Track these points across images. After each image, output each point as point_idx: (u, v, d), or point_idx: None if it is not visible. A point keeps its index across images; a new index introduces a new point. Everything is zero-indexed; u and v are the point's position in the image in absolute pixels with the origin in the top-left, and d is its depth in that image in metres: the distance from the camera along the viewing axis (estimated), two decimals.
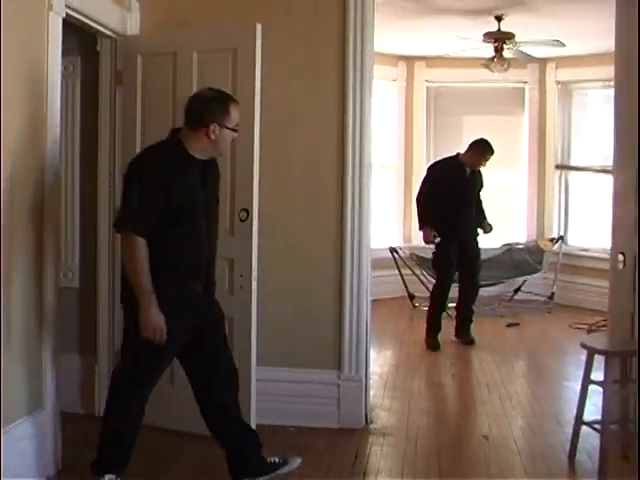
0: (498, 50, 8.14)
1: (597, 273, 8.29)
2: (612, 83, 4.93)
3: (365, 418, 4.96)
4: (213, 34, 4.65)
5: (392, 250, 8.96)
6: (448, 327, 7.54)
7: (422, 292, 8.76)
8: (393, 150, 10.15)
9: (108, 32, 4.75)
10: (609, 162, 5.07)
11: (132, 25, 4.92)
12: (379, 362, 6.58)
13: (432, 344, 7.20)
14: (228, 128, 3.66)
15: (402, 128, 10.20)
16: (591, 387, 4.33)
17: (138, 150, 4.77)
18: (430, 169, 7.64)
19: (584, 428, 4.36)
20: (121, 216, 3.59)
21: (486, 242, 8.13)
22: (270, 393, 4.62)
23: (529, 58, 8.71)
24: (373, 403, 5.22)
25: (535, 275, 9.26)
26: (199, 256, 3.70)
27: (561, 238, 9.57)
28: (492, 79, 9.13)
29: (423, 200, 7.43)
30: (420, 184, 7.59)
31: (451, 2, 7.10)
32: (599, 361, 4.26)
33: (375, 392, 5.53)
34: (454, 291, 7.63)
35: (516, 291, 9.30)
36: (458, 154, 7.46)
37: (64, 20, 4.11)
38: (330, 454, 4.46)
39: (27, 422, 3.83)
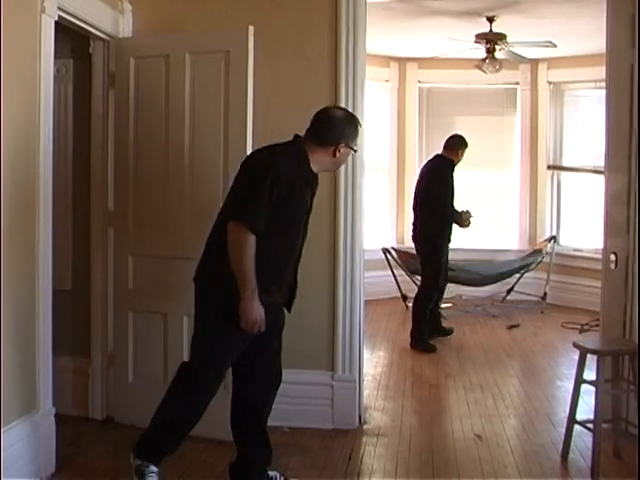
0: (490, 51, 8.17)
1: (589, 273, 8.32)
2: (604, 84, 4.95)
3: (359, 418, 4.97)
4: (205, 36, 4.66)
5: (385, 251, 8.97)
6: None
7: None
8: (386, 151, 10.17)
9: (101, 34, 4.75)
10: (601, 162, 5.09)
11: (125, 28, 4.92)
12: (372, 363, 6.60)
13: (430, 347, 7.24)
14: (353, 149, 3.75)
15: (394, 129, 10.22)
16: (584, 386, 4.35)
17: (131, 152, 4.80)
18: (448, 171, 7.39)
19: (577, 427, 4.37)
20: (243, 208, 3.50)
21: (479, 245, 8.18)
22: None
23: (521, 59, 8.74)
24: (367, 403, 5.24)
25: (530, 273, 9.31)
26: (288, 268, 3.71)
27: (553, 238, 9.60)
28: (484, 80, 9.16)
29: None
30: (443, 183, 7.34)
31: (443, 3, 7.12)
32: (592, 360, 4.28)
33: (369, 392, 5.55)
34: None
35: (509, 291, 9.32)
36: (442, 155, 7.45)
37: (57, 23, 4.11)
38: (324, 454, 4.47)
39: (21, 424, 3.82)
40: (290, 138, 3.74)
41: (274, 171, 3.50)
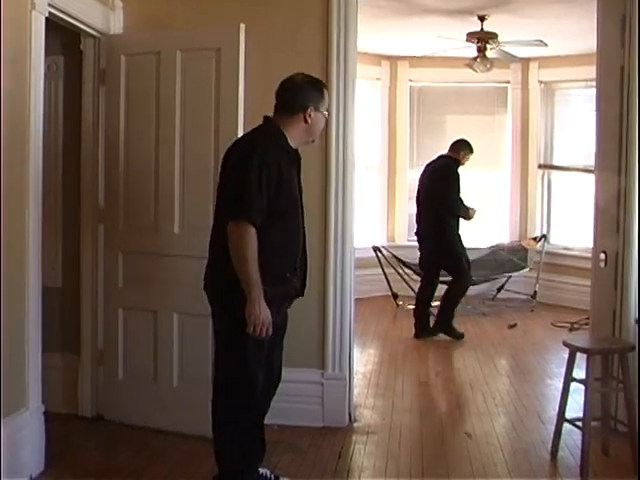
0: (481, 50, 8.17)
1: (579, 272, 8.34)
2: (594, 83, 4.96)
3: (349, 416, 4.97)
4: (197, 34, 4.65)
5: (375, 249, 8.98)
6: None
7: (405, 291, 8.80)
8: (376, 150, 10.17)
9: (91, 31, 4.74)
10: (591, 162, 5.11)
11: (116, 24, 4.91)
12: (363, 361, 6.60)
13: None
14: (318, 111, 3.65)
15: (385, 128, 10.21)
16: (573, 385, 4.36)
17: (122, 149, 4.79)
18: (454, 168, 7.71)
19: (566, 425, 4.38)
20: (236, 204, 3.43)
21: (471, 243, 8.19)
22: None
23: (512, 58, 8.75)
24: (357, 401, 5.24)
25: (519, 272, 9.32)
26: (298, 251, 3.65)
27: (544, 237, 9.62)
28: (475, 79, 9.16)
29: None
30: (453, 183, 7.64)
31: (434, 2, 7.12)
32: (581, 359, 4.29)
33: (359, 391, 5.54)
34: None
35: (499, 290, 9.34)
36: (447, 155, 7.77)
37: (47, 19, 4.09)
38: (314, 452, 4.47)
39: (10, 422, 3.80)
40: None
41: (257, 157, 3.43)
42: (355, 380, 5.24)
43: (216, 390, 3.66)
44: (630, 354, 4.28)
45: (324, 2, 4.78)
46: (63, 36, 4.81)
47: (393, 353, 7.08)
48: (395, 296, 9.06)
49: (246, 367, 3.56)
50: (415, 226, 7.95)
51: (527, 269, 9.34)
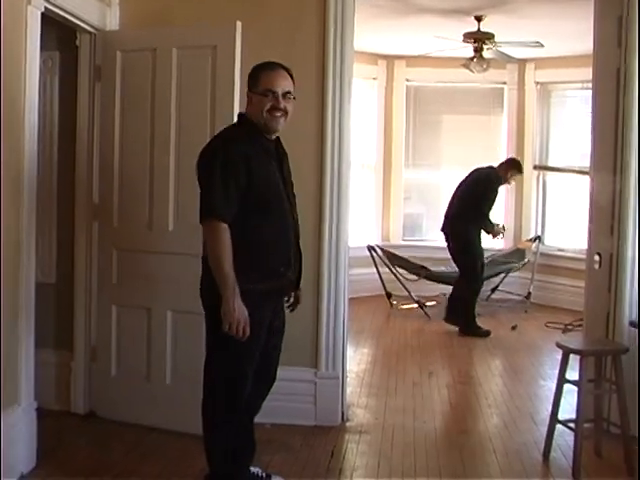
0: (478, 50, 8.18)
1: (573, 273, 8.35)
2: (590, 84, 4.96)
3: (341, 415, 4.97)
4: (193, 31, 4.64)
5: (370, 248, 8.98)
6: (426, 324, 7.56)
7: (400, 290, 8.80)
8: (372, 149, 10.17)
9: (87, 27, 4.73)
10: (587, 163, 5.10)
11: (112, 20, 4.90)
12: (356, 360, 6.60)
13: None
14: (256, 93, 3.56)
15: (382, 127, 10.22)
16: (566, 386, 4.36)
17: (117, 145, 4.79)
18: (495, 183, 8.07)
19: (559, 426, 4.39)
20: (204, 204, 3.41)
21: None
22: None
23: (508, 59, 8.76)
24: (349, 401, 5.23)
25: (515, 273, 9.37)
26: (290, 244, 3.60)
27: (538, 238, 9.62)
28: (471, 79, 9.17)
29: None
30: (489, 195, 7.99)
31: (431, 2, 7.13)
32: (574, 360, 4.29)
33: (352, 390, 5.54)
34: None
35: (493, 290, 9.34)
36: (495, 168, 8.13)
37: (43, 14, 4.08)
38: (306, 451, 4.47)
39: (2, 418, 3.79)
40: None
41: (221, 153, 3.43)
42: (348, 379, 5.24)
43: (206, 389, 3.64)
44: (623, 356, 4.28)
45: (321, 1, 4.78)
46: (59, 31, 4.80)
47: (386, 353, 7.08)
48: (389, 295, 9.05)
49: (236, 367, 3.54)
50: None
51: (525, 261, 9.37)
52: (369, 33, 7.90)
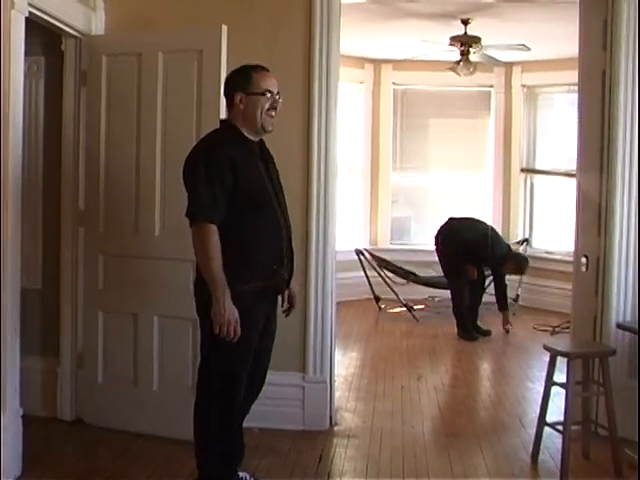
0: (464, 54, 8.19)
1: (561, 275, 8.36)
2: (577, 87, 4.97)
3: (330, 420, 4.96)
4: (178, 35, 4.63)
5: (358, 252, 8.98)
6: (414, 327, 7.55)
7: (388, 294, 8.80)
8: (360, 153, 10.17)
9: (73, 32, 4.71)
10: (574, 166, 5.12)
11: (97, 25, 4.88)
12: (344, 364, 6.59)
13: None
14: (254, 94, 3.59)
15: (369, 130, 10.23)
16: (554, 388, 4.37)
17: (102, 150, 4.77)
18: (504, 246, 8.35)
19: (547, 429, 4.39)
20: (191, 206, 3.44)
21: None
22: None
23: (495, 62, 8.77)
24: (338, 405, 5.23)
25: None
26: (282, 242, 3.62)
27: (526, 241, 9.64)
28: (458, 82, 9.18)
29: None
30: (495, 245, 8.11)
31: (418, 6, 7.13)
32: (562, 363, 4.29)
33: (340, 394, 5.54)
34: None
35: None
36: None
37: (27, 19, 4.06)
38: (294, 456, 4.46)
39: None
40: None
41: (205, 156, 3.47)
42: (336, 383, 5.23)
43: (200, 392, 3.64)
44: (611, 358, 4.29)
45: (307, 5, 4.77)
46: (44, 36, 4.77)
47: (375, 356, 7.08)
48: (377, 299, 9.06)
49: (231, 369, 3.54)
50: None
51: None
52: (356, 37, 7.91)
